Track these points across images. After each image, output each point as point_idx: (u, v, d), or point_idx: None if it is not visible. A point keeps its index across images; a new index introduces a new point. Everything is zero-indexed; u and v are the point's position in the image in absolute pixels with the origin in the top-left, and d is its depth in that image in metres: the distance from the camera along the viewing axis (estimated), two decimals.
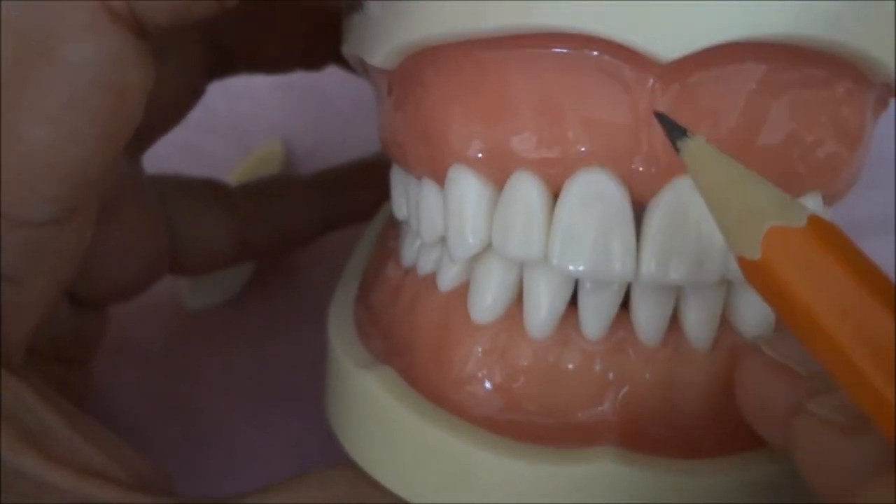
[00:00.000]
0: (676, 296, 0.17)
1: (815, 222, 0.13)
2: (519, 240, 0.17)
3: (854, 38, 0.15)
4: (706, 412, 0.17)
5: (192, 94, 0.24)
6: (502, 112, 0.16)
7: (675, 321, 0.18)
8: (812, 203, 0.17)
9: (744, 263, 0.14)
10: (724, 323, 0.18)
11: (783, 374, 0.15)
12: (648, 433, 0.17)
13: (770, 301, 0.14)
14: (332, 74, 0.27)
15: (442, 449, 0.17)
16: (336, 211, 0.28)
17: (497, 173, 0.17)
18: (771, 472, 0.17)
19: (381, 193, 0.23)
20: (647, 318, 0.17)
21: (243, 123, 0.32)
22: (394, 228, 0.23)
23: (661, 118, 0.15)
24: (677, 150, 0.15)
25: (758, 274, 0.13)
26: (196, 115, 0.24)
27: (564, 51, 0.16)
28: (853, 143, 0.17)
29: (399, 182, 0.21)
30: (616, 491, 0.16)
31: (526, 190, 0.17)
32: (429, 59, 0.17)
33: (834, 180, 0.18)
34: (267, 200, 0.27)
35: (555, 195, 0.17)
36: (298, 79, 0.26)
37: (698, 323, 0.17)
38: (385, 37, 0.17)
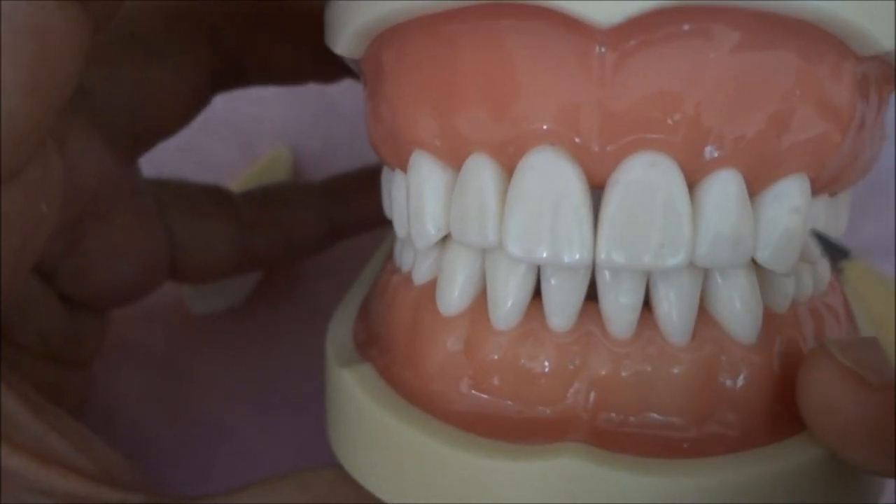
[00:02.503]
0: (646, 285, 0.16)
1: None
2: (474, 226, 0.16)
3: (827, 4, 0.14)
4: (682, 410, 0.16)
5: (195, 101, 0.24)
6: (453, 92, 0.16)
7: (651, 313, 0.17)
8: (796, 186, 0.16)
9: None
10: (705, 315, 0.17)
11: (852, 381, 0.15)
12: (621, 430, 0.16)
13: None
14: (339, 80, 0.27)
15: (413, 447, 0.17)
16: (343, 219, 0.27)
17: (455, 158, 0.17)
18: (747, 477, 0.16)
19: None
20: (615, 309, 0.16)
21: (247, 127, 0.32)
22: None
23: (820, 238, 0.15)
24: (839, 271, 0.15)
25: None
26: (198, 117, 0.24)
27: (510, 24, 0.15)
28: (843, 122, 0.16)
29: (385, 181, 0.21)
30: (581, 488, 0.15)
31: (479, 174, 0.16)
32: (385, 43, 0.17)
33: (823, 162, 0.16)
34: (271, 208, 0.27)
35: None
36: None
37: (671, 314, 0.16)
38: (342, 25, 0.17)
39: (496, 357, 0.17)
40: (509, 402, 0.17)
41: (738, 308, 0.16)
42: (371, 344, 0.20)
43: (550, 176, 0.15)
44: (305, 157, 0.32)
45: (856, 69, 0.16)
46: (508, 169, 0.16)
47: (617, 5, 0.14)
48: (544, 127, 0.15)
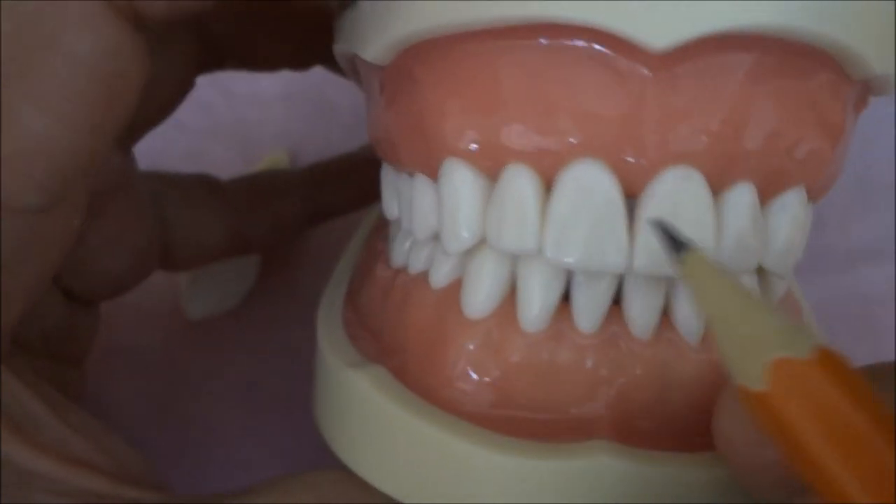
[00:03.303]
0: (668, 289, 0.17)
1: (822, 354, 0.13)
2: (513, 233, 0.17)
3: (839, 32, 0.16)
4: (700, 405, 0.17)
5: (182, 89, 0.24)
6: (495, 104, 0.16)
7: (668, 315, 0.18)
8: (796, 198, 0.18)
9: (744, 393, 0.13)
10: None
11: (752, 432, 0.14)
12: (643, 427, 0.17)
13: (769, 431, 0.13)
14: (336, 84, 0.27)
15: (435, 446, 0.17)
16: (325, 202, 0.28)
17: (491, 166, 0.17)
18: None
19: (365, 186, 0.23)
20: (640, 312, 0.17)
21: (248, 132, 0.32)
22: (381, 231, 0.23)
23: (661, 228, 0.15)
24: (675, 263, 0.14)
25: (759, 404, 0.13)
26: (201, 122, 0.24)
27: (557, 42, 0.16)
28: (835, 137, 0.18)
29: (389, 181, 0.21)
30: (610, 485, 0.16)
31: (519, 182, 0.17)
32: (420, 53, 0.17)
33: (818, 175, 0.18)
34: (259, 194, 0.27)
35: (549, 187, 0.17)
36: (303, 88, 0.27)
37: (690, 316, 0.17)
38: (378, 32, 0.17)
39: (523, 358, 0.17)
40: (535, 403, 0.17)
41: None
42: (371, 344, 0.20)
43: (591, 188, 0.16)
44: (304, 161, 0.32)
45: (847, 89, 0.18)
46: (546, 178, 0.17)
47: (668, 31, 0.15)
48: (586, 141, 0.16)
